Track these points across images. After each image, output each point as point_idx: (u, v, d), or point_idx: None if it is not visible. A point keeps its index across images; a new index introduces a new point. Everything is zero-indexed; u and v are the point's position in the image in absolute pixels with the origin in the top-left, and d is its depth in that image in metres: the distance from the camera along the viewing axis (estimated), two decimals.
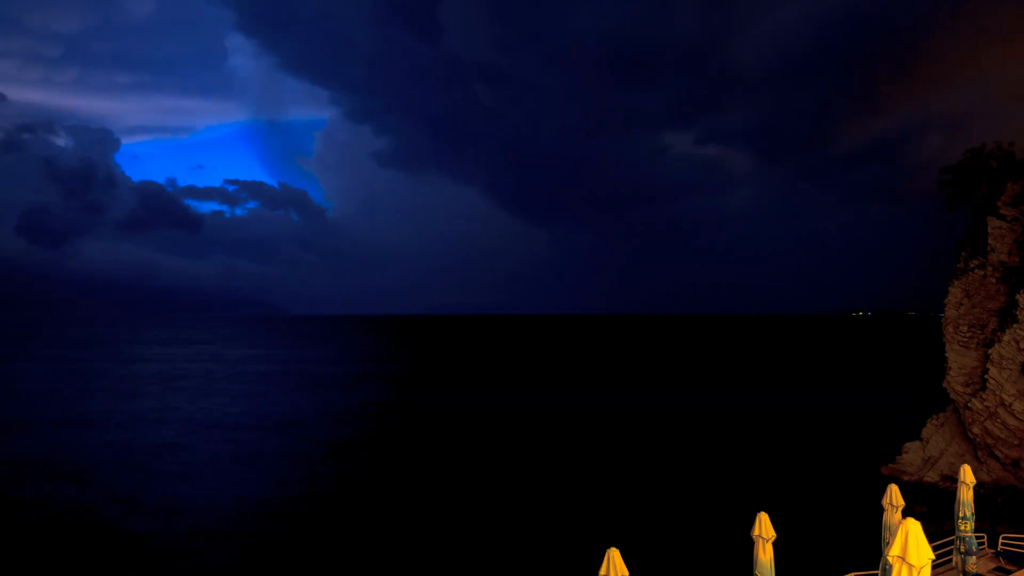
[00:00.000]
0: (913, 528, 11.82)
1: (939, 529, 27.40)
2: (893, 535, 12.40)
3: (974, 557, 19.73)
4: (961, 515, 19.51)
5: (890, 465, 41.92)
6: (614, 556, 12.25)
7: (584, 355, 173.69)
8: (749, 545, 15.45)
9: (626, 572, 12.20)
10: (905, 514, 16.75)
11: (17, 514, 36.39)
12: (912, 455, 41.51)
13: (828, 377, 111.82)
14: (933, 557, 11.82)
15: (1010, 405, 35.84)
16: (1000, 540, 22.76)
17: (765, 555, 15.11)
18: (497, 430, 62.33)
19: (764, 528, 15.12)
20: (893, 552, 11.87)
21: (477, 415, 71.05)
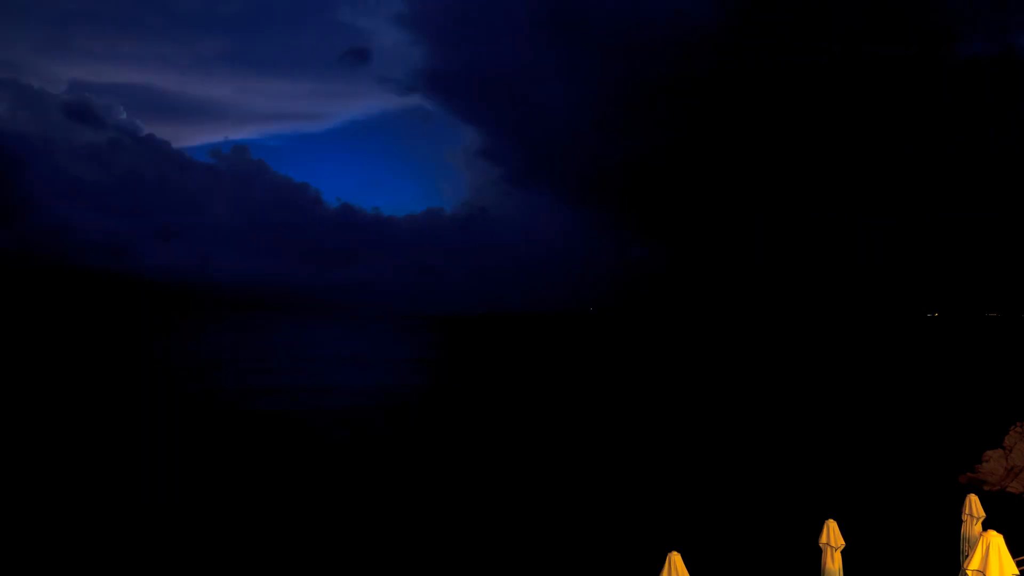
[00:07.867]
0: (995, 541, 11.31)
1: None
2: (972, 548, 11.89)
3: None
4: None
5: (968, 474, 39.98)
6: (676, 560, 12.12)
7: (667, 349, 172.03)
8: (816, 554, 15.04)
9: None
10: (986, 526, 16.00)
11: None
12: (993, 464, 39.50)
13: (902, 378, 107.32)
14: (1017, 573, 11.27)
15: None
16: None
17: (833, 564, 14.71)
18: (564, 419, 62.39)
19: (832, 536, 14.73)
20: (972, 566, 11.38)
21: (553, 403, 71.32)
